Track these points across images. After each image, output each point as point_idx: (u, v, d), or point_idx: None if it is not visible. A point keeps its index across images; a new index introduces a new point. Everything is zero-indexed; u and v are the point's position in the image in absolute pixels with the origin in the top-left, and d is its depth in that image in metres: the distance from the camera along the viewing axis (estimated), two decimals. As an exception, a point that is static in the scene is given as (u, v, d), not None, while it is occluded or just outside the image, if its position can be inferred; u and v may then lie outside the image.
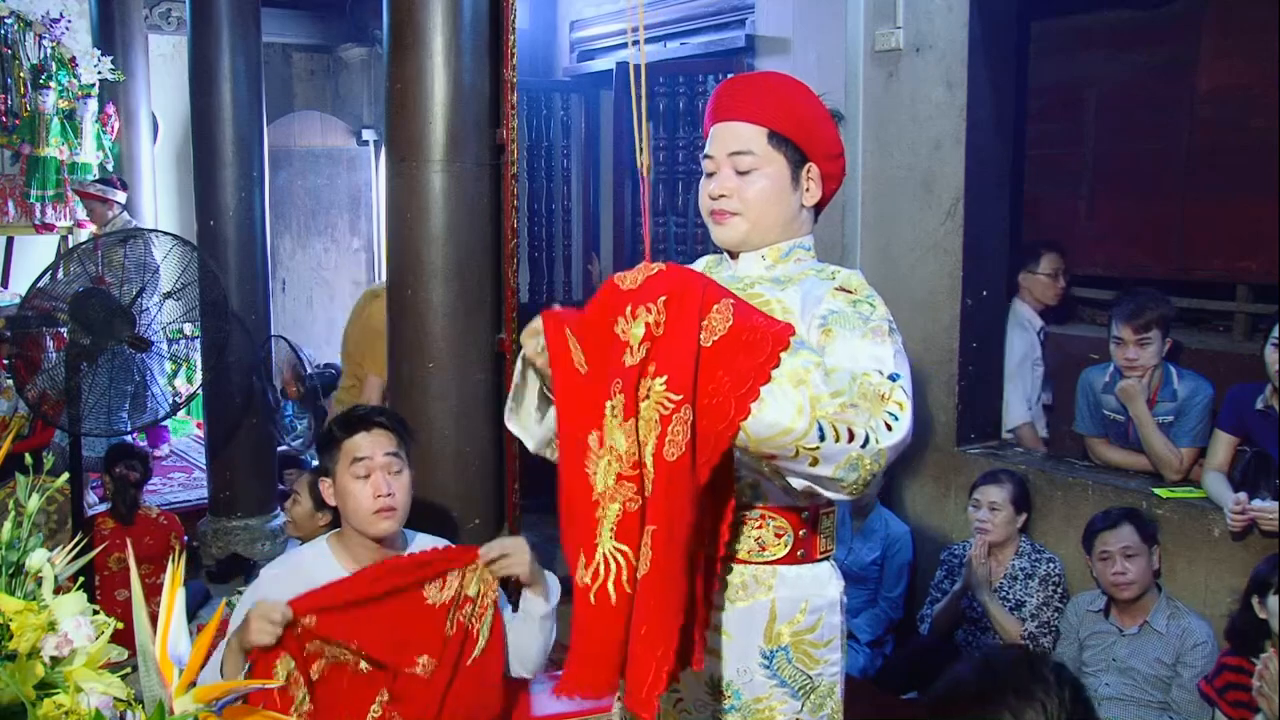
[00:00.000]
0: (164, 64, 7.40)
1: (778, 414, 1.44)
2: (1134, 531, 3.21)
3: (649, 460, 1.47)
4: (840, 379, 1.53)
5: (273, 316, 5.18)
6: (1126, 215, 4.09)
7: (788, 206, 1.81)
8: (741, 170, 1.80)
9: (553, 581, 2.51)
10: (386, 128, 3.64)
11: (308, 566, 2.51)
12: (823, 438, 1.46)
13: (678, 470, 1.45)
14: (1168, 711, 3.13)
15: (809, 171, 1.82)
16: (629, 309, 1.48)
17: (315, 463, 4.66)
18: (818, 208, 1.87)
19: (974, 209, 3.97)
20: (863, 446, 1.49)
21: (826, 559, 1.83)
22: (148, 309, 3.87)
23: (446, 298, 3.52)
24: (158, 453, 6.17)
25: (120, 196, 5.85)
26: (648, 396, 1.46)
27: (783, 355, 1.47)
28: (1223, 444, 3.36)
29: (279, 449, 5.19)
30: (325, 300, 8.27)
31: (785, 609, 1.76)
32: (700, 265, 1.93)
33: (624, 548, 1.47)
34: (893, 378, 1.56)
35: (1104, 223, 4.16)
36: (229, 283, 4.62)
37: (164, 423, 5.95)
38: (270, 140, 5.26)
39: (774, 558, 1.76)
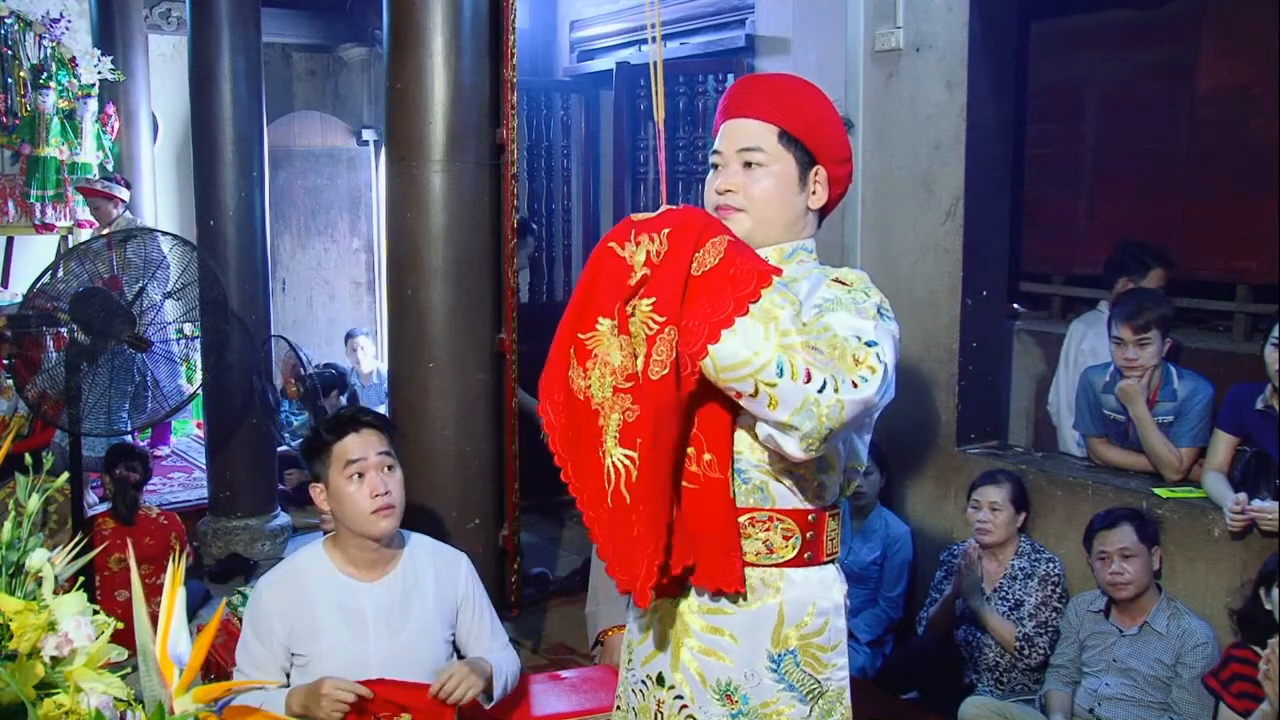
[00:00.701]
0: (164, 64, 7.40)
1: (741, 344, 1.51)
2: (1133, 532, 3.21)
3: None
4: (814, 327, 1.57)
5: (272, 316, 5.18)
6: (1126, 215, 4.09)
7: (792, 207, 1.81)
8: (749, 167, 1.80)
9: (508, 668, 2.59)
10: (386, 127, 3.64)
11: (302, 571, 2.51)
12: (780, 374, 1.50)
13: (661, 387, 1.57)
14: (1168, 712, 3.14)
15: (816, 174, 1.82)
16: (634, 234, 1.63)
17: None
18: (823, 212, 1.87)
19: (974, 209, 3.97)
20: (819, 392, 1.51)
21: (832, 561, 1.82)
22: (160, 305, 3.87)
23: (446, 297, 3.52)
24: (158, 453, 6.17)
25: (124, 194, 5.87)
26: (633, 314, 1.59)
27: (764, 291, 1.54)
28: (1223, 444, 3.36)
29: (279, 449, 5.19)
30: (325, 300, 8.27)
31: (793, 612, 1.75)
32: None
33: (631, 453, 1.62)
34: (869, 344, 1.56)
35: (1104, 223, 4.16)
36: (229, 282, 4.62)
37: (168, 421, 5.96)
38: (270, 140, 5.27)
39: (782, 560, 1.75)
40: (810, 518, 1.77)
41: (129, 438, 4.91)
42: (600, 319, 1.63)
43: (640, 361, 1.59)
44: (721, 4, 5.21)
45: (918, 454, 4.13)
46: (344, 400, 6.09)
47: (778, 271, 1.59)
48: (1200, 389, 3.51)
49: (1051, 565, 3.52)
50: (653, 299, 1.57)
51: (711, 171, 1.85)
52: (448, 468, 3.49)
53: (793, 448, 1.56)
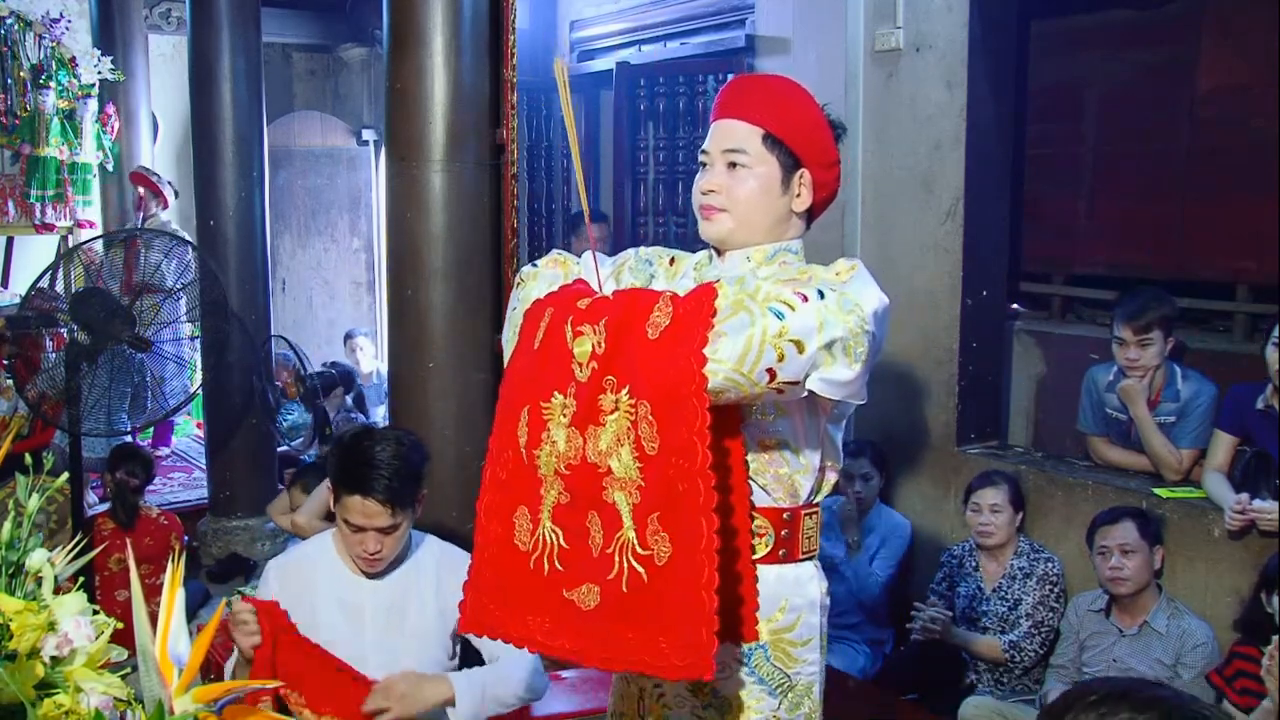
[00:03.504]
0: (164, 64, 7.40)
1: (733, 336, 1.53)
2: (1134, 529, 3.21)
3: (621, 464, 1.59)
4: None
5: (273, 316, 5.18)
6: (1127, 215, 4.09)
7: (775, 209, 1.82)
8: (733, 168, 1.81)
9: (503, 676, 2.47)
10: (386, 128, 3.64)
11: (311, 561, 2.52)
12: (781, 316, 1.54)
13: (662, 460, 1.55)
14: (1168, 712, 3.13)
15: (801, 177, 1.83)
16: (572, 322, 1.63)
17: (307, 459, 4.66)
18: (811, 214, 1.88)
19: (974, 209, 3.97)
20: (822, 299, 1.57)
21: (809, 559, 1.84)
22: (160, 305, 3.88)
23: (446, 298, 3.51)
24: (159, 453, 6.17)
25: (170, 196, 6.02)
26: (615, 409, 1.58)
27: (717, 289, 1.58)
28: (1223, 444, 3.36)
29: (279, 449, 5.19)
30: (325, 300, 8.27)
31: (764, 607, 1.77)
32: (692, 261, 1.94)
33: (558, 530, 1.66)
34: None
35: (1104, 223, 4.16)
36: (229, 282, 4.62)
37: (169, 422, 5.97)
38: (270, 140, 5.26)
39: (755, 557, 1.76)
40: (785, 516, 1.79)
41: (130, 438, 4.91)
42: (555, 393, 1.65)
43: (629, 449, 1.58)
44: (721, 4, 5.21)
45: (917, 454, 4.13)
46: (349, 400, 6.08)
47: (716, 282, 1.62)
48: (1204, 390, 3.50)
49: (1050, 565, 3.52)
50: (627, 387, 1.57)
51: (700, 170, 1.87)
52: (448, 468, 3.48)
53: (844, 371, 1.60)
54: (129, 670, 1.28)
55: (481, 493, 1.76)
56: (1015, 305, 4.39)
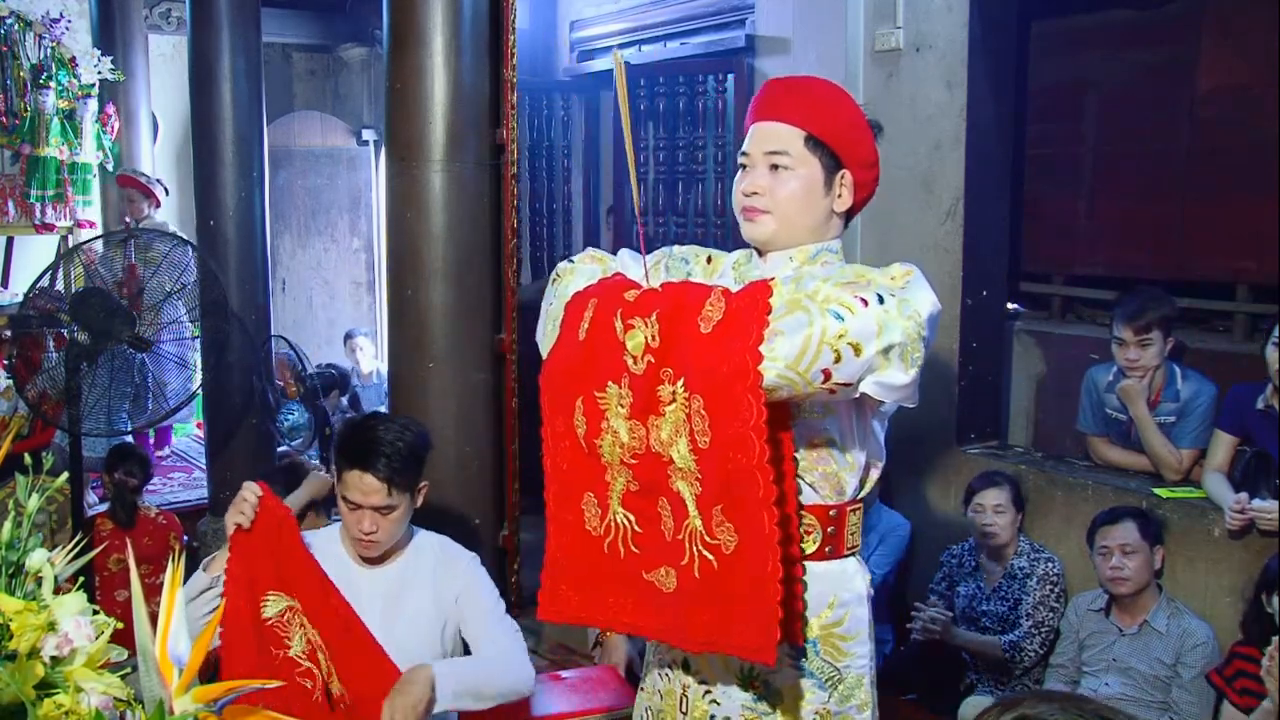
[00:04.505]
0: (164, 64, 7.40)
1: (790, 335, 1.55)
2: (1135, 529, 3.21)
3: (680, 454, 1.62)
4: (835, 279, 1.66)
5: (272, 316, 5.18)
6: (1127, 215, 4.09)
7: (818, 210, 1.84)
8: (776, 170, 1.83)
9: (486, 667, 2.47)
10: (386, 128, 3.64)
11: (319, 551, 2.53)
12: (841, 319, 1.56)
13: (715, 453, 1.58)
14: (1168, 712, 3.14)
15: (843, 178, 1.85)
16: (621, 314, 1.66)
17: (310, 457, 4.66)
18: (849, 214, 1.90)
19: (974, 209, 3.97)
20: (881, 303, 1.59)
21: (853, 554, 1.87)
22: (160, 306, 3.87)
23: (446, 298, 3.52)
24: (160, 454, 6.16)
25: (162, 195, 5.97)
26: (673, 400, 1.61)
27: (772, 286, 1.60)
28: (1223, 444, 3.36)
29: (279, 449, 5.19)
30: (325, 300, 8.27)
31: (813, 604, 1.80)
32: (730, 260, 1.96)
33: (630, 515, 1.71)
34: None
35: (1104, 223, 4.16)
36: (229, 282, 4.62)
37: (169, 422, 5.97)
38: (270, 140, 5.26)
39: (804, 554, 1.80)
40: (831, 513, 1.82)
41: (131, 438, 4.91)
42: (609, 383, 1.68)
43: (685, 442, 1.62)
44: (721, 4, 5.21)
45: (917, 454, 4.13)
46: (345, 401, 6.08)
47: (771, 279, 1.64)
48: (1204, 390, 3.50)
49: (1051, 565, 3.52)
50: (683, 379, 1.60)
51: (739, 172, 1.88)
52: (447, 468, 3.48)
53: (899, 376, 1.62)
54: (129, 670, 1.28)
55: (547, 483, 1.80)
56: (1015, 305, 4.39)
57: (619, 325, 1.66)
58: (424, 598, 2.55)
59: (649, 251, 1.92)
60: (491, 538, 3.73)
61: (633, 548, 1.72)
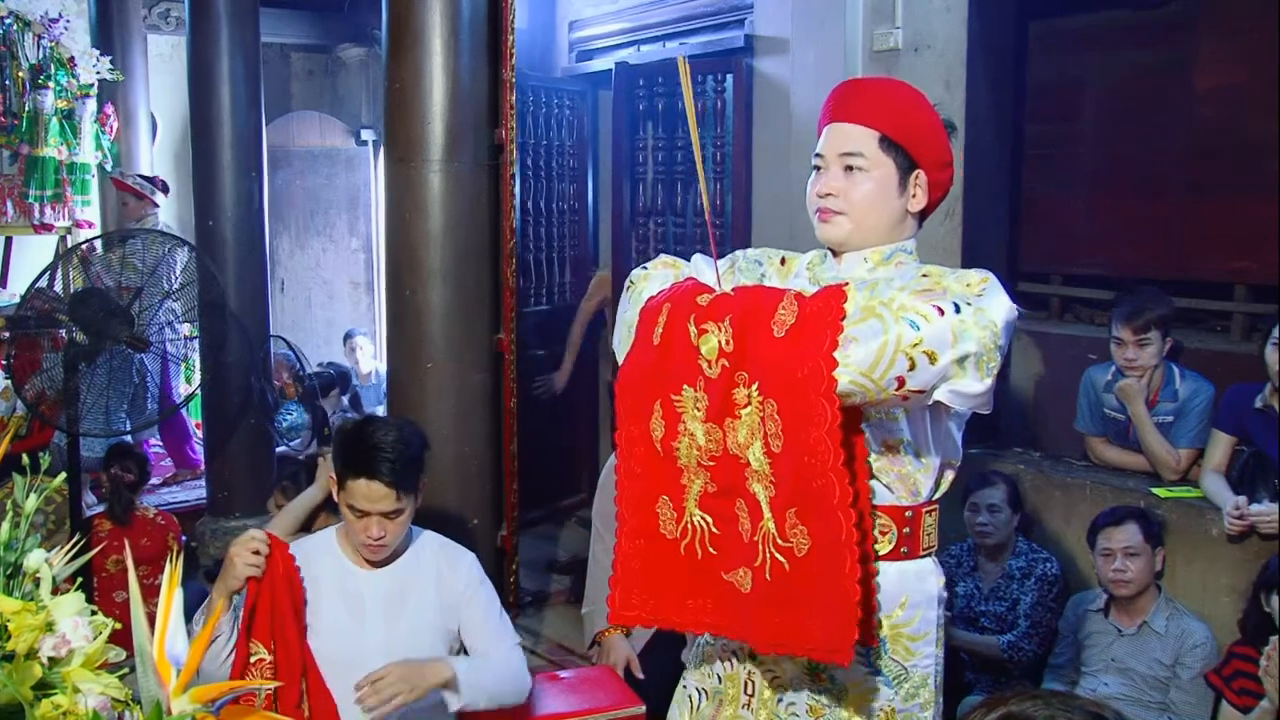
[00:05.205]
0: (163, 64, 7.39)
1: (865, 342, 1.55)
2: (1138, 530, 3.21)
3: (756, 457, 1.65)
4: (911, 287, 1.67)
5: (271, 317, 5.18)
6: (1125, 215, 4.09)
7: (892, 210, 1.86)
8: (850, 171, 1.84)
9: (495, 670, 2.51)
10: (385, 128, 3.64)
11: (316, 551, 2.54)
12: (916, 328, 1.56)
13: (788, 457, 1.60)
14: (1167, 712, 3.14)
15: (917, 178, 1.86)
16: (695, 318, 1.68)
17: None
18: (924, 214, 1.92)
19: (972, 209, 3.97)
20: (957, 313, 1.59)
21: (929, 555, 1.89)
22: (159, 306, 3.86)
23: (445, 298, 3.52)
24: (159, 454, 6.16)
25: (159, 198, 5.92)
26: (748, 404, 1.64)
27: (847, 291, 1.61)
28: (1221, 444, 3.36)
29: (277, 449, 5.19)
30: (324, 300, 8.26)
31: (885, 603, 1.82)
32: (804, 260, 1.97)
33: (707, 517, 1.74)
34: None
35: (1102, 223, 4.16)
36: (227, 283, 4.63)
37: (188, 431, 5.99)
38: (269, 140, 5.27)
39: (878, 554, 1.81)
40: (907, 514, 1.84)
41: (129, 438, 4.91)
42: (685, 386, 1.70)
43: (759, 445, 1.64)
44: (720, 4, 5.20)
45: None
46: (345, 401, 6.08)
47: (846, 284, 1.65)
48: (1201, 390, 3.50)
49: (1048, 565, 3.52)
50: (758, 383, 1.62)
51: (813, 174, 1.90)
52: (446, 468, 3.49)
53: (974, 384, 1.62)
54: (127, 671, 1.28)
55: (619, 488, 1.81)
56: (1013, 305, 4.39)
57: (693, 330, 1.68)
58: (427, 598, 2.55)
59: (719, 256, 1.93)
60: (489, 538, 3.73)
61: (710, 549, 1.74)
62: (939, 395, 1.63)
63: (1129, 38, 4.01)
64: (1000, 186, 4.14)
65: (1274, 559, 2.91)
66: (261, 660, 2.29)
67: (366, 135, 8.23)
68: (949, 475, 1.89)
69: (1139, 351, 3.50)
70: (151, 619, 1.23)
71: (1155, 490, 3.46)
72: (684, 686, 2.04)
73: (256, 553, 2.31)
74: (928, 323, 1.57)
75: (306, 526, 3.08)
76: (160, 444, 6.15)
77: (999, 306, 1.65)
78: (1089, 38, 4.14)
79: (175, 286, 3.98)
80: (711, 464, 1.70)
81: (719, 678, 1.96)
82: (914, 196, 1.87)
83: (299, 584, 2.41)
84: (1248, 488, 3.24)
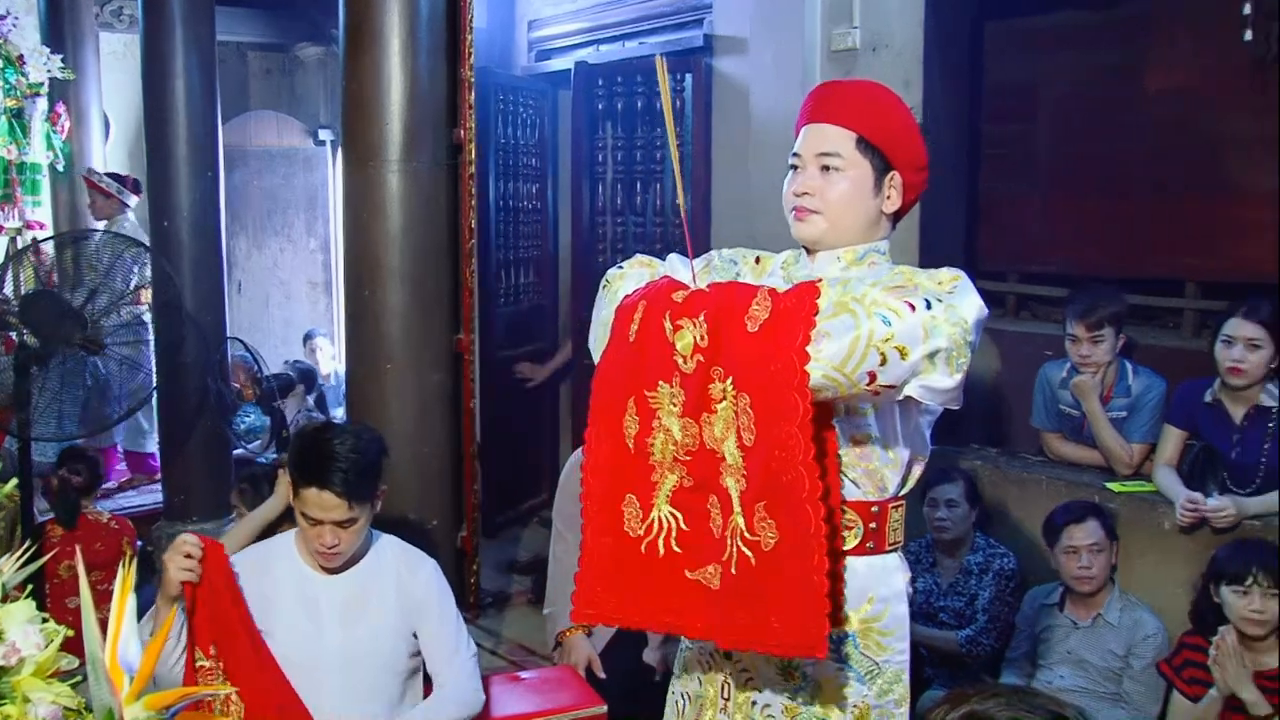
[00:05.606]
0: (115, 62, 7.29)
1: (837, 337, 1.57)
2: (1099, 526, 3.26)
3: (730, 451, 1.66)
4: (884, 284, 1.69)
5: (228, 318, 5.12)
6: (1080, 214, 4.14)
7: (867, 210, 1.88)
8: (826, 171, 1.86)
9: (453, 700, 2.52)
10: (343, 127, 3.62)
11: (272, 558, 2.52)
12: (888, 323, 1.58)
13: (760, 450, 1.61)
14: (1120, 702, 3.19)
15: (892, 179, 1.88)
16: (670, 315, 1.69)
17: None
18: (898, 216, 1.94)
19: (929, 208, 4.00)
20: (929, 309, 1.62)
21: (895, 550, 1.90)
22: (112, 308, 3.80)
23: (403, 298, 3.50)
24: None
25: (131, 200, 5.80)
26: (723, 398, 1.65)
27: (820, 287, 1.63)
28: (1172, 438, 3.42)
29: (234, 452, 5.13)
30: (281, 301, 8.19)
31: (853, 598, 1.83)
32: (778, 260, 1.99)
33: (677, 514, 1.74)
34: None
35: (1058, 221, 4.21)
36: (183, 284, 4.57)
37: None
38: (225, 140, 5.20)
39: (845, 549, 1.82)
40: (873, 509, 1.85)
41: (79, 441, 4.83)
42: (660, 383, 1.72)
43: (733, 439, 1.65)
44: (679, 4, 5.22)
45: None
46: (310, 400, 6.03)
47: (819, 280, 1.67)
48: (1154, 385, 3.56)
49: (1006, 561, 3.56)
50: (732, 378, 1.64)
51: (790, 173, 1.92)
52: (405, 469, 3.47)
53: (945, 380, 1.65)
54: (80, 679, 1.26)
55: (585, 485, 1.81)
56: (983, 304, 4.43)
57: (668, 326, 1.70)
58: (387, 603, 2.53)
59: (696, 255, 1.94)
60: (449, 539, 3.72)
61: (675, 547, 1.75)
62: (910, 390, 1.65)
63: (1084, 38, 4.07)
64: (958, 185, 4.18)
65: (1221, 550, 2.96)
66: (203, 667, 2.25)
67: (324, 135, 8.17)
68: (917, 470, 1.91)
69: (1093, 348, 3.55)
70: (104, 625, 1.22)
71: (1109, 485, 3.51)
72: (672, 693, 2.06)
73: (189, 556, 2.25)
74: (899, 318, 1.59)
75: (267, 536, 3.05)
76: (132, 447, 6.05)
77: (970, 304, 1.69)
78: (1043, 38, 4.19)
79: (130, 288, 3.93)
80: (688, 459, 1.72)
81: (699, 681, 1.98)
82: (888, 198, 1.89)
83: (237, 589, 2.36)
84: (1198, 481, 3.30)
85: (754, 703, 1.88)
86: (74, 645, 1.30)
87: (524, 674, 3.09)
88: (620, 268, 1.97)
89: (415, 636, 2.59)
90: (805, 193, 1.87)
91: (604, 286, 1.94)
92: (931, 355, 1.62)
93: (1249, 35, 3.36)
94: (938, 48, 3.98)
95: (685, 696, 2.02)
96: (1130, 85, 3.94)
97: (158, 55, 4.68)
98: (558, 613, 3.19)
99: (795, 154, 1.91)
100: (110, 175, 5.96)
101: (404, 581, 2.56)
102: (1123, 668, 3.19)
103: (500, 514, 5.63)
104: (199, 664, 2.25)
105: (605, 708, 2.82)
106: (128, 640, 1.22)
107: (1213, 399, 3.32)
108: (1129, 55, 3.94)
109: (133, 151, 7.31)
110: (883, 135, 1.87)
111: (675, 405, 1.71)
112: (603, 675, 3.05)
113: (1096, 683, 3.22)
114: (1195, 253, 3.81)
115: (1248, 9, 3.33)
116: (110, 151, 6.93)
